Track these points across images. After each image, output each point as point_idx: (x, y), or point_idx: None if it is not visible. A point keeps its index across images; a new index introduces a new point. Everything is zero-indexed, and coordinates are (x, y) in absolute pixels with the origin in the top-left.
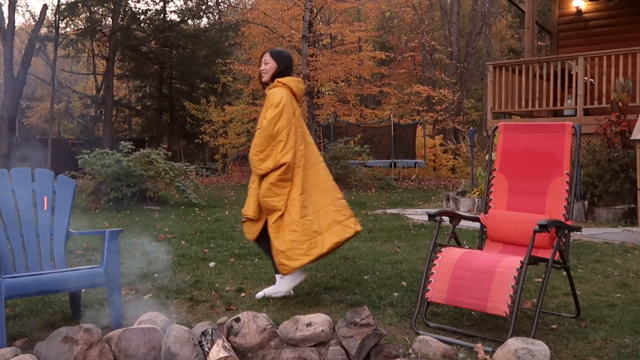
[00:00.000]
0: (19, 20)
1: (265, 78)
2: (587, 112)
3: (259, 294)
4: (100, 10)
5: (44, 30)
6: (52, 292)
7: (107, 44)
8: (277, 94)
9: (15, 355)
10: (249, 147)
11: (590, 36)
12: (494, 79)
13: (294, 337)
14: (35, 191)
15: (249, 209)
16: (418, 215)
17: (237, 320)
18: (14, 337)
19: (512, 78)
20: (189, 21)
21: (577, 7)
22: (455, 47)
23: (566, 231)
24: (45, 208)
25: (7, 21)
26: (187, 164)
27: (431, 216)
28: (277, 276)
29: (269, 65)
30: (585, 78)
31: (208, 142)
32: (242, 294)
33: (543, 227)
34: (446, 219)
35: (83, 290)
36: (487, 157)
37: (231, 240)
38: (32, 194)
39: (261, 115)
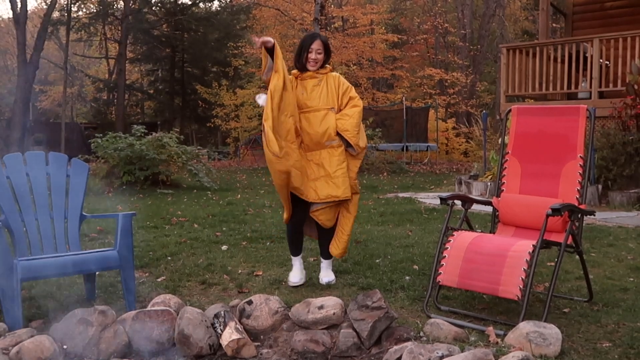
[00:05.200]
0: (32, 4)
1: (318, 66)
2: (601, 95)
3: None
4: None
5: (56, 14)
6: (66, 275)
7: (119, 28)
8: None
9: (32, 336)
10: (262, 130)
11: (606, 18)
12: (507, 61)
13: (306, 320)
14: (49, 174)
15: (348, 190)
16: (430, 199)
17: (250, 302)
18: (30, 318)
19: (526, 60)
20: (201, 4)
21: None
22: (469, 29)
23: (579, 215)
24: None
25: (19, 5)
26: (199, 147)
27: (443, 200)
28: (328, 263)
29: (321, 55)
30: (601, 60)
31: (220, 126)
32: (255, 277)
33: (556, 211)
34: (458, 202)
35: (97, 273)
36: (500, 140)
37: (243, 223)
38: (46, 178)
39: (322, 94)
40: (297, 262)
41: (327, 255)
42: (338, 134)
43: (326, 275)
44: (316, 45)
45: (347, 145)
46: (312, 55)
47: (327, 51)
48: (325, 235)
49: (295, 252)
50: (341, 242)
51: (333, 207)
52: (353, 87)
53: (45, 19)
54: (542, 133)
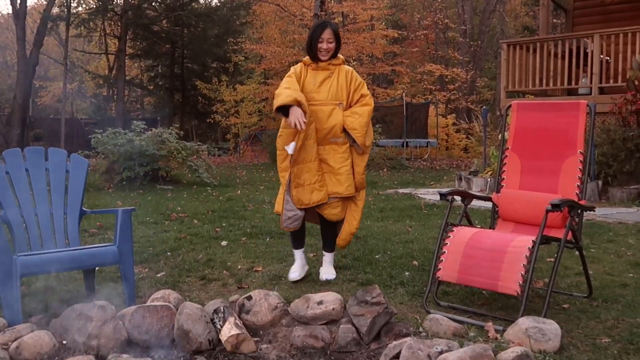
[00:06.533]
0: (31, 0)
1: (330, 55)
2: (602, 91)
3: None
4: None
5: (55, 10)
6: (66, 270)
7: (119, 23)
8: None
9: (31, 331)
10: (261, 126)
11: (607, 13)
12: (507, 57)
13: (305, 315)
14: (48, 170)
15: (351, 187)
16: (430, 195)
17: (249, 298)
18: (30, 313)
19: (527, 56)
20: (200, 0)
21: None
22: (469, 25)
23: (579, 211)
24: None
25: (19, 0)
26: (199, 143)
27: (443, 195)
28: (330, 257)
29: (332, 44)
30: (601, 56)
31: (220, 122)
32: (254, 273)
33: (556, 207)
34: (458, 198)
35: (97, 268)
36: (500, 136)
37: (243, 219)
38: (45, 173)
39: (331, 88)
40: (298, 256)
41: (330, 248)
42: (345, 130)
43: (326, 272)
44: (327, 34)
45: (353, 141)
46: (323, 45)
47: (337, 40)
48: (328, 224)
49: (296, 244)
50: (347, 234)
51: (339, 202)
52: (365, 84)
53: (45, 15)
54: (542, 129)
